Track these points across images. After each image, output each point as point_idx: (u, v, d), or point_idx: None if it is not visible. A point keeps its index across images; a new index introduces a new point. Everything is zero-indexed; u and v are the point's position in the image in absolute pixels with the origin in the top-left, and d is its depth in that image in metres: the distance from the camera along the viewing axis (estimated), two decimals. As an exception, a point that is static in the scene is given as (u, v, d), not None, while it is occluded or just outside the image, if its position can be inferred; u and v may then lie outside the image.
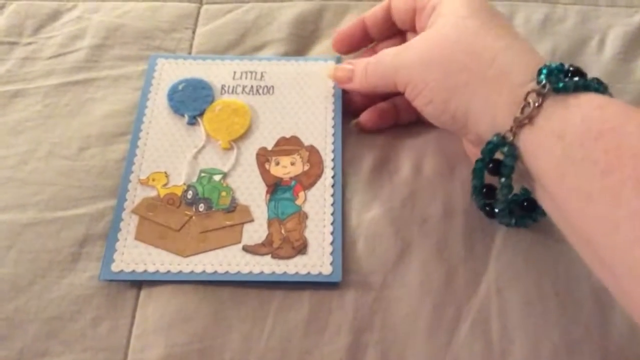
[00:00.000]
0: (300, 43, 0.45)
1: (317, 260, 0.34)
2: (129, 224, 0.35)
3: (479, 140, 0.31)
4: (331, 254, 0.34)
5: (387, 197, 0.36)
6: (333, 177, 0.37)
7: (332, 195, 0.36)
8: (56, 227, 0.35)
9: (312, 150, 0.38)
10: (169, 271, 0.33)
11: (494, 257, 0.34)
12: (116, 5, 0.47)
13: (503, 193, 0.30)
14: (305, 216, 0.36)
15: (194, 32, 0.46)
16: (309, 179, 0.37)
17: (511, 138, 0.28)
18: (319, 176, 0.37)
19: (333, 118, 0.40)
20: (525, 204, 0.33)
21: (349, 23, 0.41)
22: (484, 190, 0.33)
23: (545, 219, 0.33)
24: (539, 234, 0.34)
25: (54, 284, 0.33)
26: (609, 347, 0.31)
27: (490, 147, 0.29)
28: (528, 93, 0.27)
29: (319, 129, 0.39)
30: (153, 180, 0.37)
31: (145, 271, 0.33)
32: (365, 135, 0.39)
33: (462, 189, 0.36)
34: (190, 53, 0.44)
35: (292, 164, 0.38)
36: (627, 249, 0.23)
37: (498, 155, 0.30)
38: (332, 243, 0.34)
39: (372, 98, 0.39)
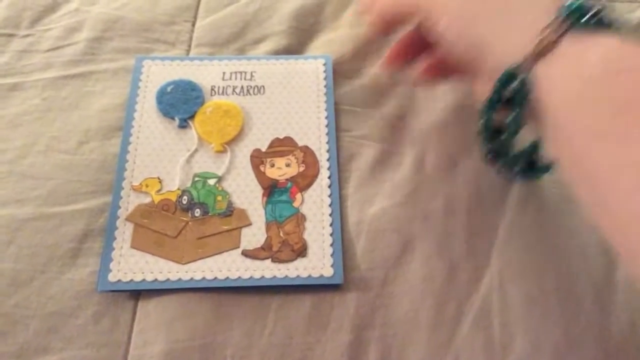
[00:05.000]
0: (300, 36, 0.44)
1: (318, 262, 0.33)
2: (124, 232, 0.34)
3: (492, 73, 0.30)
4: (332, 255, 0.34)
5: (388, 193, 0.36)
6: (329, 177, 0.37)
7: (330, 196, 0.36)
8: (55, 222, 0.35)
9: (307, 151, 0.38)
10: (167, 279, 0.33)
11: (496, 253, 0.34)
12: (114, -3, 0.46)
13: (513, 126, 0.30)
14: (303, 218, 0.35)
15: (193, 25, 0.45)
16: (305, 180, 0.37)
17: (527, 69, 0.27)
18: (315, 177, 0.37)
19: (326, 117, 0.39)
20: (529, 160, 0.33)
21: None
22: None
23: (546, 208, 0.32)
24: (541, 230, 0.35)
25: (54, 280, 0.33)
26: (610, 342, 0.31)
27: (506, 77, 0.28)
28: (549, 25, 0.27)
29: (312, 128, 0.39)
30: (146, 186, 0.36)
31: (143, 280, 0.33)
32: (362, 132, 0.39)
33: (464, 185, 0.36)
34: (190, 46, 0.44)
35: (287, 165, 0.37)
36: (632, 192, 0.22)
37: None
38: (332, 244, 0.34)
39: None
